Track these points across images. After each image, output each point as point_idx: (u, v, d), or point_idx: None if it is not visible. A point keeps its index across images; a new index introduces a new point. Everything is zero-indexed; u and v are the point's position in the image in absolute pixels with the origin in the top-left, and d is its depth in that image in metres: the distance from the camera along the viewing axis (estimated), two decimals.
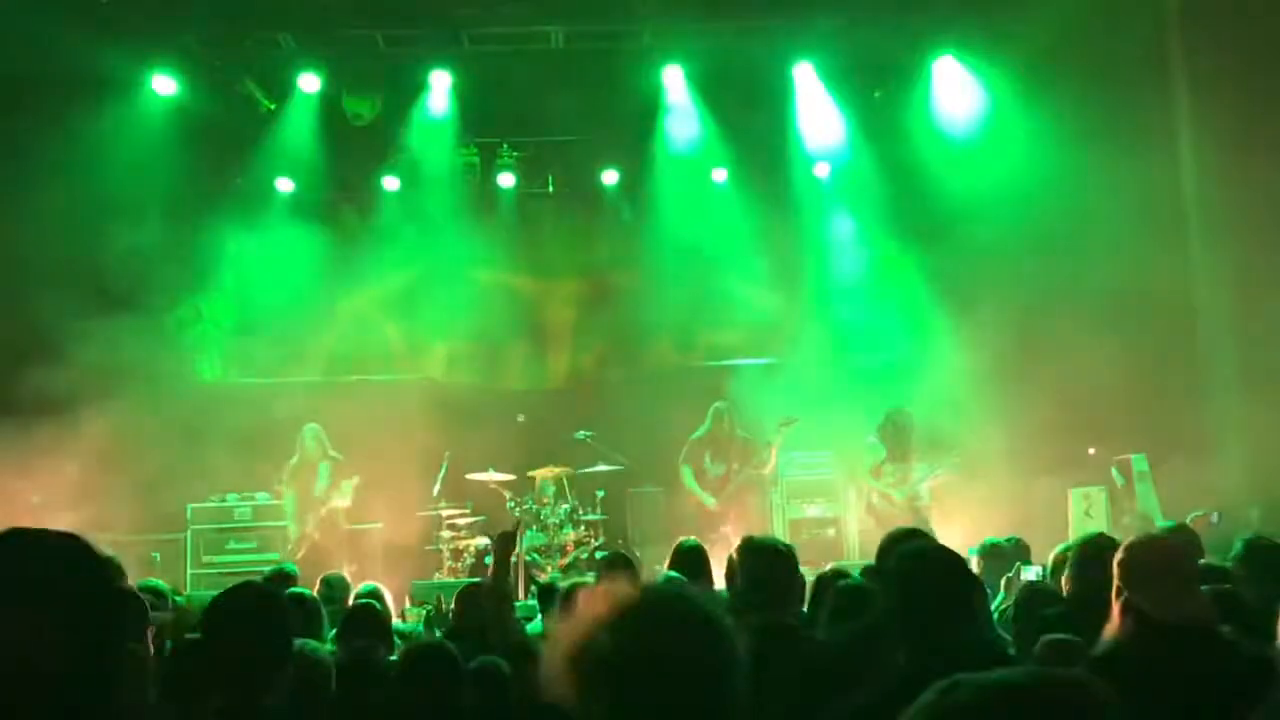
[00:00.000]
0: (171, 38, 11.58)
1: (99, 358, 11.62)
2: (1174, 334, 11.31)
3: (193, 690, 3.52)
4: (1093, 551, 4.70)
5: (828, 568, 6.46)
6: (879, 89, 12.54)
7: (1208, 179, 11.23)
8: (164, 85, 11.79)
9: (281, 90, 12.24)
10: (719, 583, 5.72)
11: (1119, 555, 3.56)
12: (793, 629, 4.39)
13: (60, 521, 11.70)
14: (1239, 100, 10.69)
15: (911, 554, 3.59)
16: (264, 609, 3.15)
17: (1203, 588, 3.65)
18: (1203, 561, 5.16)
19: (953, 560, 3.52)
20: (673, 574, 5.99)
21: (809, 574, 5.63)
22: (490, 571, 5.00)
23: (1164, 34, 11.51)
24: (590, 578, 6.55)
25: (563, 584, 6.10)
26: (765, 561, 4.67)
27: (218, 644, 3.09)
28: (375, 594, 6.90)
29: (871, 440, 10.39)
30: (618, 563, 6.13)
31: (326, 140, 12.53)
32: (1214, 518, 8.48)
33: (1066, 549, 5.67)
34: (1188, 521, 7.78)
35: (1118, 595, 3.45)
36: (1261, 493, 9.98)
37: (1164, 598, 3.38)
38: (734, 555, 4.89)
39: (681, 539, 6.90)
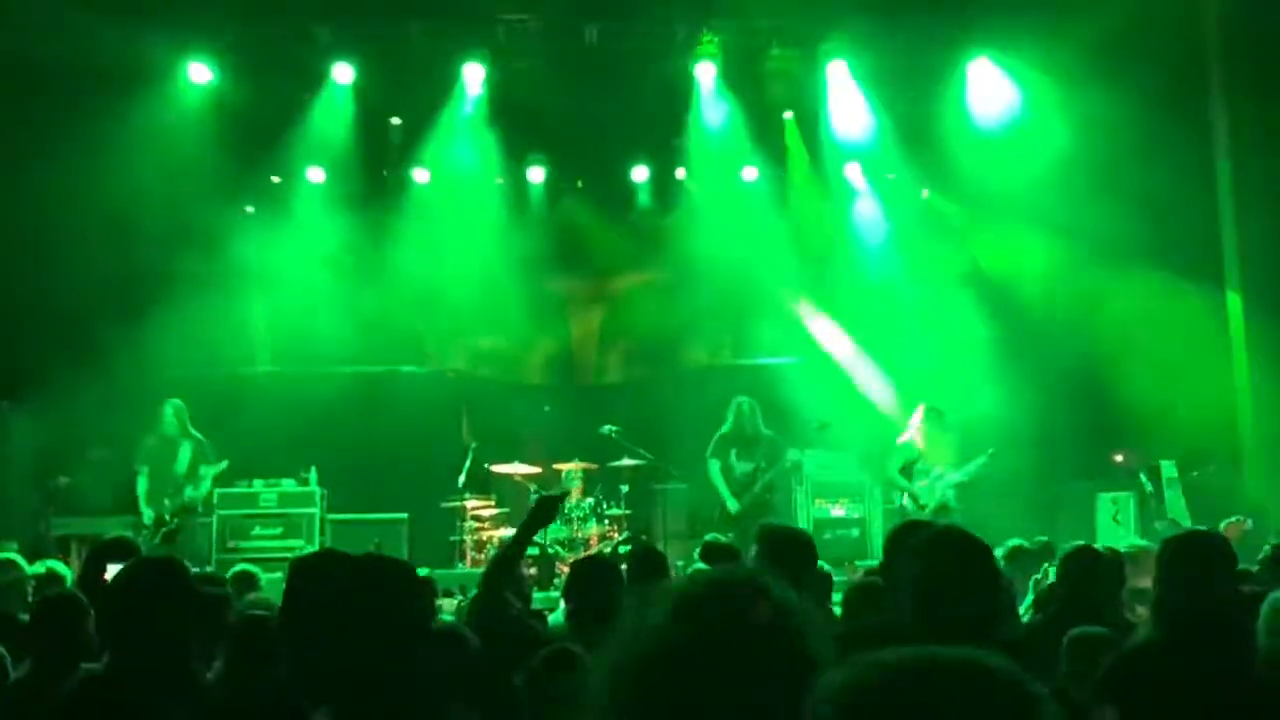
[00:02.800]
0: (208, 27, 11.66)
1: (130, 347, 11.72)
2: (1206, 341, 11.23)
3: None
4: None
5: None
6: (912, 88, 12.47)
7: (1242, 189, 11.15)
8: (200, 74, 11.86)
9: (315, 81, 12.29)
10: None
11: (1156, 552, 3.55)
12: None
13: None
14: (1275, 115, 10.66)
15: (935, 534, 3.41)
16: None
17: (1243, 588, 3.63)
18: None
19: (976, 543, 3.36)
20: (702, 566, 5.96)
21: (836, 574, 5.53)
22: (516, 533, 4.77)
23: (1203, 50, 11.41)
24: None
25: None
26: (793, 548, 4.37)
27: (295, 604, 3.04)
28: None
29: (905, 440, 10.30)
30: (648, 556, 6.02)
31: (358, 131, 12.57)
32: (1248, 523, 8.44)
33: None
34: (1222, 527, 7.76)
35: (1153, 589, 3.44)
36: None
37: (1196, 594, 3.36)
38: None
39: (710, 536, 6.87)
